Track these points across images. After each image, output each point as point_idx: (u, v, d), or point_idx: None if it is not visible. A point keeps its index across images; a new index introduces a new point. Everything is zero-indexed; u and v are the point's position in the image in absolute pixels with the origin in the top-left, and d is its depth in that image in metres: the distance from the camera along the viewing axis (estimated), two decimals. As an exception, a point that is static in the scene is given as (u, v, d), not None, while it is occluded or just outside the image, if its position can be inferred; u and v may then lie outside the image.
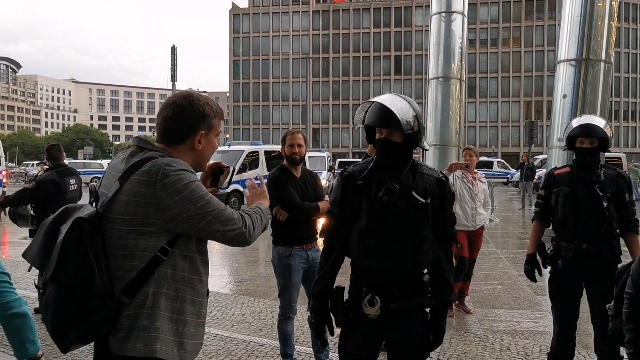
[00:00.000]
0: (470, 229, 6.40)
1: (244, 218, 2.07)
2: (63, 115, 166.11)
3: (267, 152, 20.77)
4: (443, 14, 16.84)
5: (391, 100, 2.61)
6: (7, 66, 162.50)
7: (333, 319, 2.73)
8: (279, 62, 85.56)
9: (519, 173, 23.49)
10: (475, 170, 6.66)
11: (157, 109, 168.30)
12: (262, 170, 19.57)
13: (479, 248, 6.69)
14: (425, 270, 2.72)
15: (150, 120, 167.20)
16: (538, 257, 4.01)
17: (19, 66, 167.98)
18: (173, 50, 45.44)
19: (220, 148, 23.07)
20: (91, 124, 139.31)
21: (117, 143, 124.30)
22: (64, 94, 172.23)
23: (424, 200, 2.61)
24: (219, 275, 8.96)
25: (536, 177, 22.28)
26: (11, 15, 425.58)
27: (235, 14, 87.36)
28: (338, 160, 44.64)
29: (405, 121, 2.55)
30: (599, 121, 3.86)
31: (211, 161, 2.33)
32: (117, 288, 1.89)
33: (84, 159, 51.53)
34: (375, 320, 2.62)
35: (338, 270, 2.77)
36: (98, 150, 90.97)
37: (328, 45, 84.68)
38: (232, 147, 21.96)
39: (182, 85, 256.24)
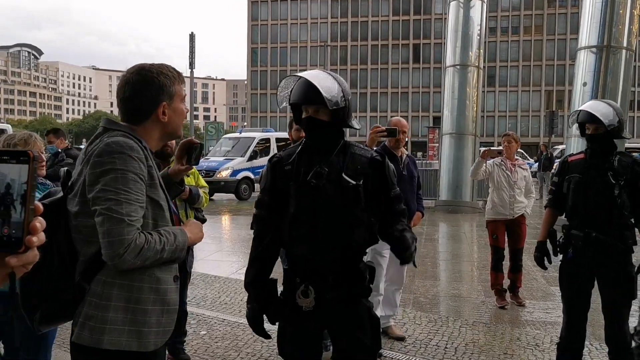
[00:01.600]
0: (509, 217, 6.23)
1: (140, 247, 1.79)
2: (84, 102, 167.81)
3: (278, 139, 20.65)
4: (461, 0, 16.56)
5: (316, 76, 2.49)
6: (29, 53, 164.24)
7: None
8: (297, 50, 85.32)
9: (537, 164, 23.16)
10: (516, 157, 6.47)
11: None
12: None
13: (524, 237, 6.42)
14: (366, 258, 2.64)
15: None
16: (549, 245, 3.92)
17: (40, 53, 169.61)
18: (191, 37, 45.42)
19: (231, 135, 23.19)
20: (111, 111, 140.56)
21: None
22: (84, 80, 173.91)
23: (354, 182, 2.49)
24: (229, 261, 9.00)
25: (554, 167, 21.96)
26: (35, 2, 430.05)
27: (254, 1, 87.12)
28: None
29: (330, 96, 2.43)
30: (604, 107, 3.71)
31: (188, 138, 2.31)
32: (78, 272, 1.87)
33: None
34: (310, 312, 2.50)
35: (272, 261, 2.66)
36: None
37: (346, 33, 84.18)
38: (244, 134, 21.87)
39: (200, 72, 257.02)
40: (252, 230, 2.71)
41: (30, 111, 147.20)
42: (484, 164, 6.32)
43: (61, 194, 1.95)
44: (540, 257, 3.92)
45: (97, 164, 1.81)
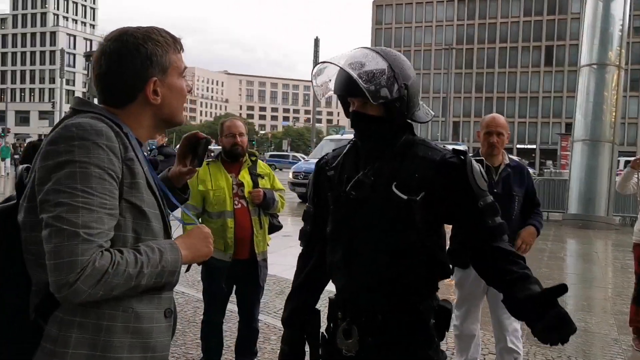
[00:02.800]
0: None
1: (101, 272, 1.26)
2: (215, 105, 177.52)
3: None
4: (601, -7, 14.90)
5: (355, 60, 1.87)
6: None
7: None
8: (420, 54, 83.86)
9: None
10: None
11: (301, 100, 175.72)
12: None
13: None
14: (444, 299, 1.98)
15: (294, 111, 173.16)
16: None
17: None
18: (316, 42, 46.24)
19: (332, 137, 21.93)
20: (240, 114, 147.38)
21: (262, 132, 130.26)
22: (217, 84, 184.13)
23: (405, 197, 1.85)
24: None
25: None
26: (177, 12, 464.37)
27: (379, 5, 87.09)
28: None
29: (374, 86, 1.82)
30: None
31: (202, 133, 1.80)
32: (32, 307, 1.39)
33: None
34: (352, 358, 1.94)
35: (318, 289, 2.13)
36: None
37: (473, 35, 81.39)
38: (345, 136, 20.57)
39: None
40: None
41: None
42: (635, 176, 5.37)
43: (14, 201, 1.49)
44: None
45: (50, 153, 1.33)
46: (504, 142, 3.71)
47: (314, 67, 2.00)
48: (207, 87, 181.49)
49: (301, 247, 2.19)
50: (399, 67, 1.88)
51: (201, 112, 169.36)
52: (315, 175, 2.13)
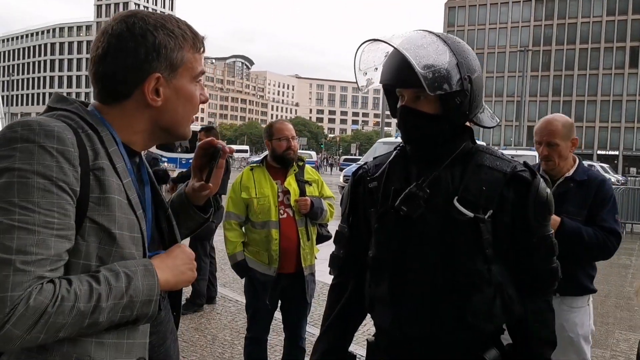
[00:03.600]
0: None
1: (40, 310, 0.99)
2: (286, 108, 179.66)
3: None
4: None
5: (412, 42, 1.53)
6: (242, 63, 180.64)
7: None
8: (494, 56, 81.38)
9: None
10: None
11: (370, 104, 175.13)
12: None
13: None
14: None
15: (363, 114, 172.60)
16: None
17: (252, 63, 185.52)
18: (386, 44, 45.69)
19: (387, 139, 20.37)
20: (310, 117, 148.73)
21: (332, 136, 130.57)
22: (288, 88, 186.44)
23: (471, 214, 1.48)
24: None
25: None
26: (251, 17, 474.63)
27: (451, 7, 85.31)
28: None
29: (432, 74, 1.47)
30: None
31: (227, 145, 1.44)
32: None
33: (299, 148, 55.13)
34: None
35: (354, 327, 1.79)
36: (313, 141, 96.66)
37: (551, 36, 78.12)
38: (399, 139, 19.73)
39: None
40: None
41: (240, 116, 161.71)
42: None
43: None
44: None
45: None
46: (560, 152, 2.90)
47: (359, 47, 1.63)
48: (278, 91, 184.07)
49: (332, 276, 1.86)
50: (463, 56, 1.54)
51: (272, 115, 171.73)
52: (352, 187, 1.79)
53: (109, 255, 1.12)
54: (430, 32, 1.60)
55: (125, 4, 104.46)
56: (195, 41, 1.27)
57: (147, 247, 1.20)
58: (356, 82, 1.68)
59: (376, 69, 1.65)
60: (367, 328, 4.86)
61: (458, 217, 1.52)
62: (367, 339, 1.76)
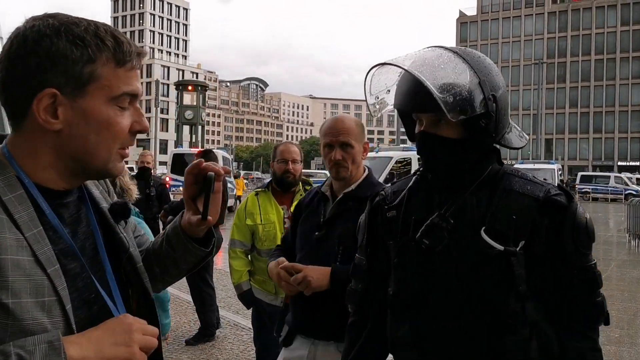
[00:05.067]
0: None
1: None
2: (301, 129, 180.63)
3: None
4: None
5: (427, 63, 1.40)
6: (256, 85, 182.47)
7: None
8: (508, 70, 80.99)
9: None
10: None
11: (385, 122, 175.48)
12: None
13: None
14: None
15: (378, 132, 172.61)
16: None
17: (266, 85, 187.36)
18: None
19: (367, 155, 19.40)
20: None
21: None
22: (302, 109, 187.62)
23: (501, 247, 1.36)
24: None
25: None
26: (263, 41, 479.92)
27: (463, 22, 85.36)
28: (580, 174, 39.71)
29: (452, 97, 1.34)
30: None
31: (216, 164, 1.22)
32: None
33: (315, 168, 55.20)
34: None
35: None
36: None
37: (565, 48, 77.67)
38: (380, 154, 18.61)
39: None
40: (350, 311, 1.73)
41: (256, 138, 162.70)
42: None
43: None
44: None
45: None
46: (355, 157, 2.24)
47: (368, 72, 1.49)
48: (293, 112, 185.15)
49: (350, 312, 1.71)
50: (485, 73, 1.41)
51: (287, 136, 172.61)
52: (368, 216, 1.63)
53: (4, 331, 0.89)
54: (445, 48, 1.45)
55: (141, 15, 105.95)
56: (118, 53, 1.01)
57: (70, 311, 0.95)
58: (367, 108, 1.55)
59: (388, 91, 1.52)
60: None
61: (487, 251, 1.37)
62: None
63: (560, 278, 1.40)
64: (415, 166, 16.90)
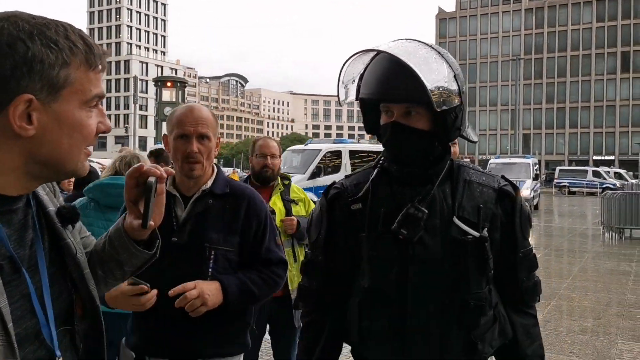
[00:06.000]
0: None
1: None
2: (281, 125, 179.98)
3: (352, 153, 17.18)
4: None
5: (409, 52, 1.41)
6: (236, 81, 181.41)
7: None
8: (486, 66, 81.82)
9: None
10: None
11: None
12: (343, 174, 16.07)
13: None
14: None
15: (359, 128, 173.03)
16: None
17: (246, 81, 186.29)
18: (377, 58, 45.87)
19: (296, 147, 19.08)
20: (305, 133, 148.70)
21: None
22: (283, 104, 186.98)
23: (477, 234, 1.42)
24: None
25: None
26: (243, 37, 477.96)
27: (442, 18, 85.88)
28: (558, 168, 40.27)
29: (437, 89, 1.39)
30: None
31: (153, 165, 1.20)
32: None
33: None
34: None
35: None
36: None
37: (542, 44, 78.67)
38: (310, 146, 17.96)
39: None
40: (300, 315, 1.73)
41: (236, 134, 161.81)
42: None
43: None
44: None
45: None
46: (210, 152, 2.02)
47: (348, 59, 1.50)
48: (274, 108, 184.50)
49: (303, 311, 1.70)
50: (456, 67, 1.46)
51: (268, 132, 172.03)
52: (327, 210, 1.61)
53: None
54: (421, 41, 1.50)
55: (118, 9, 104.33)
56: (90, 56, 0.99)
57: (12, 329, 0.89)
58: (337, 96, 1.56)
59: (354, 81, 1.54)
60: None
61: (460, 238, 1.43)
62: None
63: (509, 261, 1.51)
64: (346, 159, 16.80)
